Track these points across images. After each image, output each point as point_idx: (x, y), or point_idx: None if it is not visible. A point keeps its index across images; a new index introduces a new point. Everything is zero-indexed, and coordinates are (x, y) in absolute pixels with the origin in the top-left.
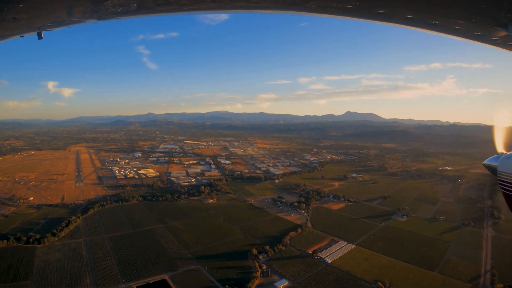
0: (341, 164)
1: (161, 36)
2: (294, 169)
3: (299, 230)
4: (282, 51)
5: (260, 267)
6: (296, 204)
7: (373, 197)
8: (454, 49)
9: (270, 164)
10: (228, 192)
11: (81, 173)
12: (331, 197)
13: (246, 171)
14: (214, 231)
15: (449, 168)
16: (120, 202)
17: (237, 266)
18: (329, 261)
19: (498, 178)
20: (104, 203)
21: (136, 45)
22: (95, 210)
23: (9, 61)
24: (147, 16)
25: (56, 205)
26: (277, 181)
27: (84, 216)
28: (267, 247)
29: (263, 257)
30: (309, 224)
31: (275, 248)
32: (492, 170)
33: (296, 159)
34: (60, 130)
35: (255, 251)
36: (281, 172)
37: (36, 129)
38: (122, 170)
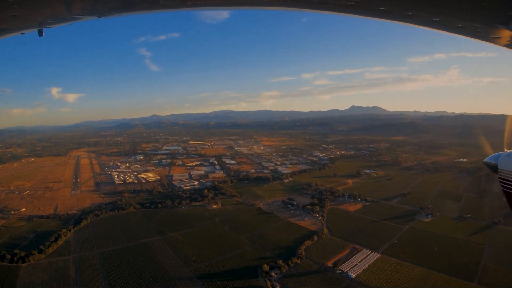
0: (352, 159)
1: (162, 37)
2: (303, 167)
3: (315, 238)
4: (285, 47)
5: (273, 287)
6: (309, 206)
7: (391, 195)
8: (457, 39)
9: (278, 163)
10: (234, 196)
11: (78, 180)
12: (346, 197)
13: (253, 171)
14: (218, 242)
15: (465, 160)
16: (116, 211)
17: (245, 287)
18: (353, 276)
19: (499, 176)
20: (99, 212)
21: (138, 47)
22: (88, 221)
23: (12, 67)
24: (149, 12)
25: (48, 217)
26: (286, 181)
27: (76, 228)
28: (280, 262)
29: (275, 274)
30: (325, 230)
31: (289, 262)
32: (493, 168)
33: (304, 156)
34: (64, 135)
35: (266, 267)
36: (289, 170)
37: (40, 135)
38: (122, 175)
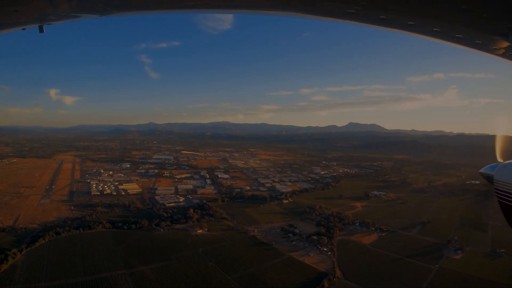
0: (356, 178)
1: (163, 45)
2: (304, 185)
3: (325, 283)
4: (284, 62)
5: None
6: (314, 237)
7: (408, 223)
8: (456, 59)
9: (276, 179)
10: (224, 218)
11: (53, 187)
12: (357, 224)
13: (248, 188)
14: (198, 285)
15: (478, 182)
16: (81, 230)
17: None
18: None
19: (495, 187)
20: (61, 230)
21: (138, 53)
22: (46, 240)
23: (11, 64)
24: (149, 13)
25: (4, 230)
26: (285, 201)
27: (29, 248)
28: None
29: None
30: (338, 272)
31: None
32: (489, 179)
33: (304, 173)
34: (56, 137)
35: None
36: (289, 189)
37: (33, 136)
38: (101, 185)
